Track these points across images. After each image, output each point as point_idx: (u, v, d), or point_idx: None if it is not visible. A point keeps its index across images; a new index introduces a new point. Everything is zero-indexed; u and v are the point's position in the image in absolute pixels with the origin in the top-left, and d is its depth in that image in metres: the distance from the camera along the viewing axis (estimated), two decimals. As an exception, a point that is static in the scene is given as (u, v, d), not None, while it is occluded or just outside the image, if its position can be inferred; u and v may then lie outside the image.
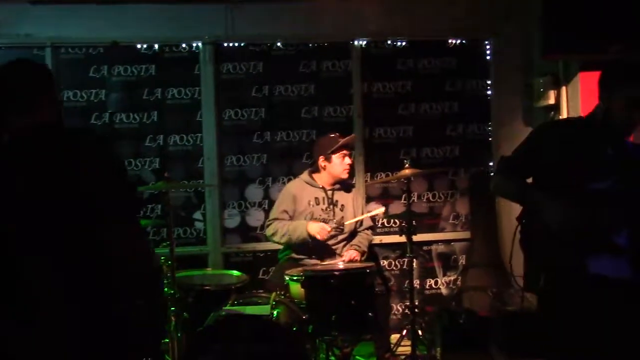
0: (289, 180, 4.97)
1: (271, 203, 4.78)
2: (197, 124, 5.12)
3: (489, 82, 5.41)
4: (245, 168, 5.19)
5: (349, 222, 4.50)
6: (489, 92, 5.42)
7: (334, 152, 4.48)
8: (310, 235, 4.32)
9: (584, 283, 2.66)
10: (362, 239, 4.59)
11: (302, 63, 5.25)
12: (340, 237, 4.54)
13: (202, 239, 5.15)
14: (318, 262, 4.36)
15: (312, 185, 4.56)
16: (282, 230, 4.40)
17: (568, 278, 2.69)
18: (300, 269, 3.98)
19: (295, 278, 3.84)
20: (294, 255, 4.50)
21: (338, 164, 4.51)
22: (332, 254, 4.47)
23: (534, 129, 3.03)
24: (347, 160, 4.52)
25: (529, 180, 2.94)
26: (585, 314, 2.66)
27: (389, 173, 5.17)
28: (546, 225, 2.71)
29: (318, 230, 4.31)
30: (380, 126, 5.33)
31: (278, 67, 5.21)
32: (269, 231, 4.47)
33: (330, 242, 4.48)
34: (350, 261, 4.36)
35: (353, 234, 4.62)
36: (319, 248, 4.42)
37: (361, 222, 4.65)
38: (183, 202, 5.13)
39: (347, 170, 4.53)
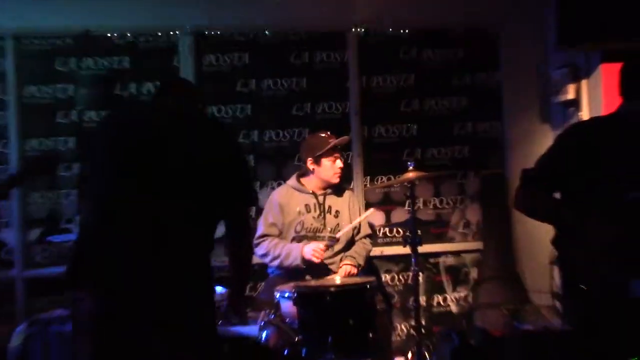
0: (279, 184, 4.96)
1: (259, 210, 4.74)
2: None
3: (500, 75, 5.39)
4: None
5: (343, 232, 4.47)
6: (501, 86, 5.40)
7: (323, 155, 4.45)
8: (305, 261, 4.30)
9: (631, 306, 2.65)
10: (358, 249, 4.57)
11: (293, 54, 5.23)
12: (335, 248, 4.50)
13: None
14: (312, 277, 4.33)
15: (300, 191, 4.53)
16: (273, 253, 4.38)
17: (613, 302, 2.68)
18: (292, 284, 3.94)
19: (286, 295, 3.81)
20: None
21: (328, 168, 4.48)
22: (327, 272, 4.43)
23: (559, 135, 2.98)
24: (339, 163, 4.50)
25: (557, 194, 2.92)
26: (631, 338, 2.66)
27: (391, 176, 5.17)
28: (587, 247, 2.69)
29: (313, 253, 4.28)
30: (380, 124, 5.31)
31: (266, 59, 5.20)
32: (259, 251, 4.43)
33: (325, 254, 4.42)
34: (347, 276, 4.34)
35: (350, 243, 4.60)
36: (314, 269, 4.37)
37: (358, 229, 4.62)
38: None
39: (339, 175, 4.51)
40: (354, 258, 4.47)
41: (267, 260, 4.42)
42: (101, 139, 2.76)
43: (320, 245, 4.31)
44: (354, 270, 4.42)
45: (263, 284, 4.72)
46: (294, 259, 4.31)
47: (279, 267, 4.42)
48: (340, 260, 4.49)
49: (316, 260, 4.27)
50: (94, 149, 2.75)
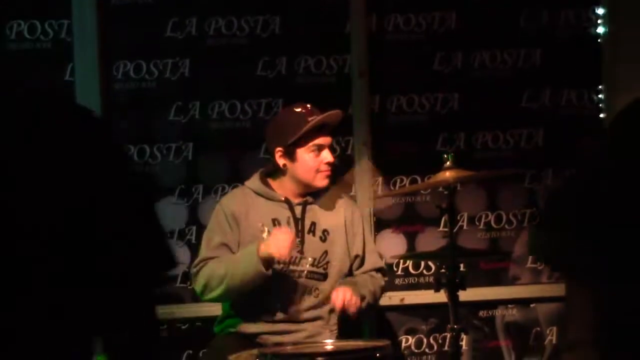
0: (235, 188, 4.86)
1: (200, 232, 4.75)
2: (66, 87, 5.12)
3: (599, 12, 5.33)
4: (154, 167, 5.21)
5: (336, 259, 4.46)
6: (599, 31, 5.33)
7: (299, 143, 4.39)
8: (265, 262, 4.19)
9: None
10: (361, 280, 4.56)
11: (259, -22, 5.26)
12: (322, 287, 4.49)
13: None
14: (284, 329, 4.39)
15: (267, 198, 4.52)
16: (218, 273, 4.30)
17: None
18: (254, 351, 3.96)
19: (246, 369, 3.79)
20: (243, 329, 4.45)
21: (308, 164, 4.45)
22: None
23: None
24: (326, 155, 4.46)
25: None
26: None
27: (417, 178, 5.21)
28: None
29: (276, 245, 4.20)
30: (400, 93, 5.28)
31: (214, -14, 5.22)
32: (198, 283, 4.42)
33: (307, 302, 4.48)
34: (345, 307, 4.30)
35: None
36: (285, 293, 4.43)
37: (362, 259, 4.58)
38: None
39: (326, 174, 4.49)
40: (355, 285, 4.44)
41: (212, 294, 4.38)
42: None
43: (289, 232, 4.31)
44: (356, 302, 4.33)
45: (206, 349, 4.72)
46: (247, 266, 4.25)
47: (230, 294, 4.37)
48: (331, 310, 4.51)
49: (279, 256, 4.24)
50: None
